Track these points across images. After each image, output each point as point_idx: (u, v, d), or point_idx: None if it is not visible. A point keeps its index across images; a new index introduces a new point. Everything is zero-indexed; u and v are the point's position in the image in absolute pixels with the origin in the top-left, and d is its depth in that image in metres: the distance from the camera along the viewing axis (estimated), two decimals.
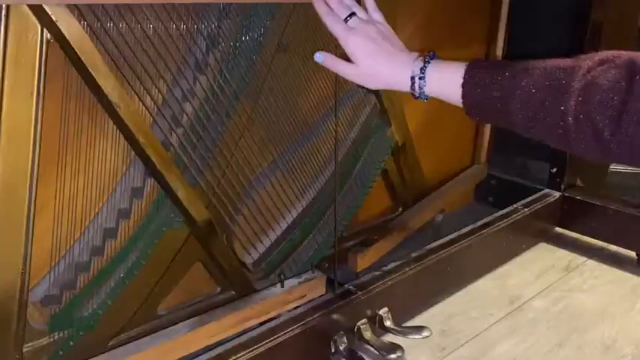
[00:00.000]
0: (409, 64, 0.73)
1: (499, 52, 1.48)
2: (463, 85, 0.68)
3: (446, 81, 0.70)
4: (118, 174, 0.84)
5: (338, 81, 1.03)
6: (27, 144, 0.72)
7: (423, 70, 0.71)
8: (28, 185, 0.73)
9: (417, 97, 0.73)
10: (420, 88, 0.72)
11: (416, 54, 0.76)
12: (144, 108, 0.82)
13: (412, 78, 0.72)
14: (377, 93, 1.15)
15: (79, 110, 0.77)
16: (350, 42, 0.76)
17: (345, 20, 0.78)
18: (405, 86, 0.74)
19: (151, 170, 0.84)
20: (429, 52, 0.73)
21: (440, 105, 1.37)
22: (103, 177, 0.83)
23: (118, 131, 0.80)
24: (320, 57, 0.80)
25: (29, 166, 0.72)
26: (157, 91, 0.83)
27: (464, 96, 0.69)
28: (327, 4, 0.80)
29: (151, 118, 0.83)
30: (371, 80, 0.77)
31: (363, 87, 0.82)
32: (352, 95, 1.12)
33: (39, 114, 0.72)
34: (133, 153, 0.83)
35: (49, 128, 0.74)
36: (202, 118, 0.88)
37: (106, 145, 0.81)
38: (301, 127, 1.04)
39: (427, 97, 0.74)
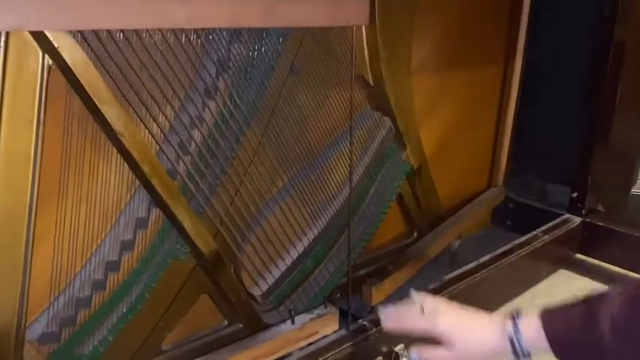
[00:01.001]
0: (501, 326, 0.73)
1: (517, 69, 1.43)
2: (545, 328, 0.68)
3: (535, 334, 0.70)
4: (121, 204, 0.80)
5: (352, 103, 0.99)
6: (26, 173, 0.68)
7: (516, 328, 0.71)
8: (26, 217, 0.69)
9: (519, 358, 0.72)
10: (521, 345, 0.71)
11: (502, 316, 0.74)
12: (150, 136, 0.78)
13: (509, 338, 0.71)
14: (392, 115, 1.10)
15: (81, 138, 0.74)
16: (440, 324, 0.76)
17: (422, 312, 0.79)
18: (506, 348, 0.72)
19: (157, 200, 0.80)
20: (513, 314, 0.73)
21: (456, 127, 1.36)
22: (105, 207, 0.79)
23: (121, 160, 0.77)
24: (415, 356, 0.79)
25: (28, 197, 0.69)
26: (163, 117, 0.79)
27: (554, 346, 0.68)
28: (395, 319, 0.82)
29: (157, 146, 0.80)
30: (472, 356, 0.76)
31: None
32: (366, 118, 1.07)
33: (39, 142, 0.68)
34: (137, 182, 0.79)
35: (50, 157, 0.71)
36: (211, 145, 0.84)
37: (109, 174, 0.77)
38: (313, 151, 1.00)
39: (530, 354, 0.71)
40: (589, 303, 0.67)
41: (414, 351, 0.79)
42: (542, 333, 0.68)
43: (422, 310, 0.79)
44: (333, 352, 0.91)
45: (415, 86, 1.16)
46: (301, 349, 0.92)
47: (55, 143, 0.71)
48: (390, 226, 1.24)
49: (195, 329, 0.94)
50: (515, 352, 0.72)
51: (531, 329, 0.70)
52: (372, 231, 1.15)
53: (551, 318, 0.69)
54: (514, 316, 0.73)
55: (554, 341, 0.68)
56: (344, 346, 0.92)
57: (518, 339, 0.71)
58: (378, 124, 1.10)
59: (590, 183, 1.43)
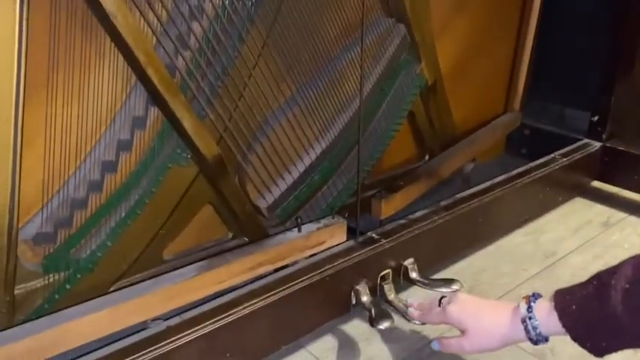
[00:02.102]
0: (514, 310, 0.73)
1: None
2: (557, 307, 0.67)
3: (547, 314, 0.68)
4: (117, 100, 0.75)
5: (366, 5, 0.92)
6: (10, 61, 0.63)
7: (530, 309, 0.70)
8: (13, 109, 0.64)
9: (536, 342, 0.71)
10: (534, 328, 0.69)
11: (517, 302, 0.74)
12: (146, 25, 0.72)
13: (523, 321, 0.70)
14: (407, 22, 1.03)
15: (70, 23, 0.68)
16: (450, 312, 0.78)
17: (439, 304, 0.82)
18: (520, 333, 0.71)
19: (154, 96, 0.75)
20: (529, 296, 0.72)
21: (473, 46, 1.28)
22: (100, 102, 0.74)
23: (115, 49, 0.71)
24: (437, 346, 0.81)
25: (14, 87, 0.64)
26: (160, 5, 0.73)
27: (564, 321, 0.66)
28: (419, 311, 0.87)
29: (154, 38, 0.74)
30: (485, 341, 0.75)
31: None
32: (380, 24, 1.00)
33: (23, 26, 0.62)
34: (133, 77, 0.74)
35: (36, 45, 0.65)
36: (211, 40, 0.78)
37: (103, 65, 0.72)
38: (322, 57, 0.93)
39: (546, 339, 0.70)
40: (600, 279, 0.64)
41: (435, 341, 0.82)
42: (555, 314, 0.66)
43: (440, 302, 0.82)
44: (340, 261, 0.88)
45: None
46: (307, 258, 0.89)
47: (40, 30, 0.66)
48: (401, 147, 1.19)
49: (199, 241, 0.91)
50: (529, 334, 0.70)
51: (544, 311, 0.68)
52: (382, 149, 1.10)
53: (562, 298, 0.67)
54: (529, 299, 0.71)
55: (568, 321, 0.65)
56: (351, 256, 0.89)
57: (531, 322, 0.69)
58: (391, 31, 1.03)
59: (612, 107, 1.36)
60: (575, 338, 0.65)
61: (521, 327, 0.70)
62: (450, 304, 0.79)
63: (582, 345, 0.65)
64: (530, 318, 0.69)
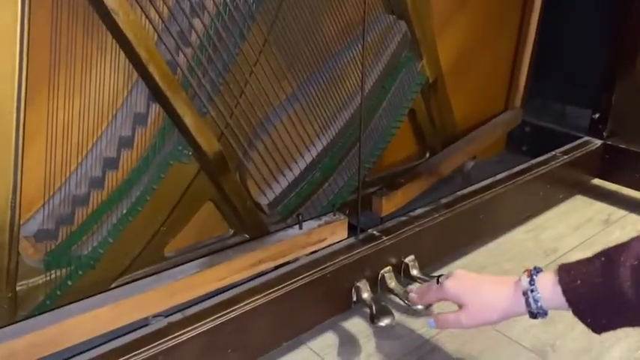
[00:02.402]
0: (515, 283, 0.72)
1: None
2: (561, 282, 0.66)
3: (550, 288, 0.67)
4: (118, 97, 0.75)
5: (367, 2, 0.91)
6: (12, 57, 0.63)
7: (532, 282, 0.69)
8: (15, 106, 0.64)
9: (535, 316, 0.70)
10: (536, 301, 0.68)
11: (517, 277, 0.73)
12: (147, 21, 0.72)
13: (524, 293, 0.69)
14: (408, 19, 1.03)
15: (71, 20, 0.68)
16: (448, 287, 0.77)
17: (438, 283, 0.80)
18: (520, 306, 0.70)
19: (155, 93, 0.75)
20: (531, 270, 0.71)
21: (474, 43, 1.28)
22: (101, 99, 0.74)
23: (117, 46, 0.71)
24: (433, 323, 0.80)
25: (15, 83, 0.64)
26: (162, 2, 0.73)
27: (567, 295, 0.65)
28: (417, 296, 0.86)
29: (156, 34, 0.74)
30: (484, 315, 0.74)
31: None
32: (381, 21, 1.00)
33: (25, 22, 0.62)
34: (135, 74, 0.74)
35: (38, 40, 0.65)
36: (213, 37, 0.78)
37: (105, 62, 0.72)
38: (324, 54, 0.93)
39: (546, 312, 0.69)
40: (607, 255, 0.64)
41: (431, 320, 0.80)
42: (559, 288, 0.65)
43: (437, 280, 0.81)
44: (341, 258, 0.88)
45: None
46: (308, 255, 0.89)
47: (42, 27, 0.66)
48: (402, 144, 1.19)
49: (200, 238, 0.91)
50: (529, 308, 0.69)
51: (547, 285, 0.67)
52: (383, 146, 1.10)
53: (567, 273, 0.66)
54: (531, 272, 0.70)
55: (571, 296, 0.65)
56: (352, 253, 0.89)
57: (533, 295, 0.68)
58: (392, 28, 1.03)
59: (612, 105, 1.36)
60: (576, 313, 0.65)
61: (522, 300, 0.69)
62: (448, 280, 0.77)
63: (582, 320, 0.65)
64: (532, 291, 0.68)
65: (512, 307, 0.71)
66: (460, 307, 0.76)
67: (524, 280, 0.70)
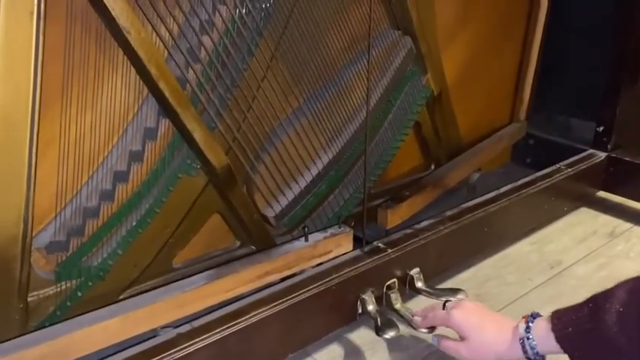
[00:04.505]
0: (513, 328, 0.74)
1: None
2: (554, 329, 0.68)
3: (545, 335, 0.70)
4: (129, 112, 0.77)
5: (372, 18, 0.93)
6: (27, 72, 0.64)
7: (528, 330, 0.72)
8: (29, 119, 0.66)
9: None
10: (532, 348, 0.71)
11: (518, 320, 0.75)
12: (157, 39, 0.74)
13: (521, 340, 0.72)
14: (413, 35, 1.05)
15: (85, 37, 0.70)
16: (454, 317, 0.79)
17: (443, 307, 0.83)
18: (518, 351, 0.73)
19: (165, 108, 0.76)
20: (527, 317, 0.74)
21: (478, 56, 1.29)
22: (112, 114, 0.76)
23: (128, 62, 0.73)
24: (436, 341, 0.84)
25: (30, 98, 0.65)
26: (172, 20, 0.75)
27: (561, 343, 0.68)
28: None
29: (166, 51, 0.76)
30: (482, 353, 0.77)
31: None
32: (386, 36, 1.02)
33: (40, 38, 0.64)
34: (145, 90, 0.76)
35: (52, 56, 0.67)
36: (222, 54, 0.80)
37: (116, 78, 0.74)
38: (329, 69, 0.95)
39: (543, 357, 0.72)
40: (595, 301, 0.66)
41: (435, 338, 0.84)
42: (552, 335, 0.68)
43: (444, 305, 0.83)
44: (347, 270, 0.89)
45: (437, 9, 1.10)
46: (314, 267, 0.90)
47: (57, 41, 0.68)
48: (407, 157, 1.21)
49: (207, 250, 0.93)
50: (526, 354, 0.72)
51: (542, 331, 0.70)
52: (388, 159, 1.11)
53: (559, 320, 0.69)
54: (527, 319, 0.73)
55: (564, 343, 0.67)
56: (357, 266, 0.90)
57: (529, 342, 0.71)
58: (398, 43, 1.05)
59: (617, 117, 1.36)
60: (574, 359, 0.67)
61: (519, 346, 0.72)
62: (455, 309, 0.80)
63: None
64: (528, 338, 0.71)
65: (509, 352, 0.74)
66: (461, 337, 0.79)
67: (521, 327, 0.73)
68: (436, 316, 0.84)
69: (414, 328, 0.89)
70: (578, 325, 0.66)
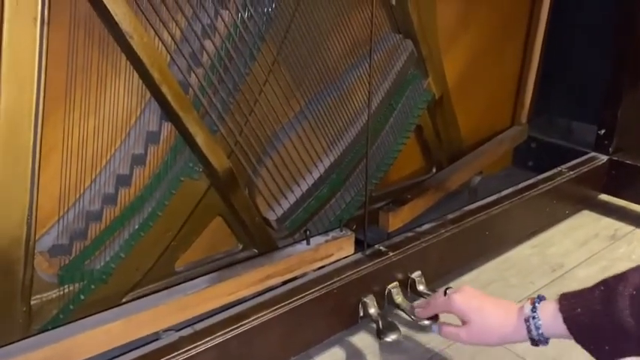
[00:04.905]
0: (518, 309, 0.73)
1: (546, 2, 1.36)
2: (562, 310, 0.67)
3: (552, 316, 0.69)
4: (132, 116, 0.78)
5: (374, 22, 0.94)
6: (31, 77, 0.65)
7: (534, 309, 0.71)
8: (32, 123, 0.66)
9: (537, 343, 0.72)
10: (537, 328, 0.70)
11: (520, 304, 0.75)
12: (160, 43, 0.74)
13: (526, 320, 0.71)
14: (414, 38, 1.05)
15: (88, 42, 0.70)
16: (455, 301, 0.78)
17: (445, 295, 0.82)
18: (521, 333, 0.72)
19: (168, 112, 0.77)
20: (534, 298, 0.73)
21: (479, 60, 1.30)
22: (115, 118, 0.76)
23: (131, 67, 0.73)
24: (436, 329, 0.84)
25: (34, 103, 0.66)
26: (174, 24, 0.75)
27: (568, 323, 0.67)
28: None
29: (168, 56, 0.76)
30: (484, 336, 0.76)
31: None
32: (388, 40, 1.02)
33: (43, 43, 0.65)
34: (148, 94, 0.76)
35: (55, 62, 0.67)
36: (224, 58, 0.80)
37: (119, 82, 0.74)
38: (332, 73, 0.95)
39: (547, 340, 0.71)
40: (606, 284, 0.65)
41: (436, 326, 0.84)
42: (560, 316, 0.67)
43: (445, 292, 0.82)
44: (348, 274, 0.89)
45: (439, 12, 1.10)
46: (315, 270, 0.90)
47: (60, 47, 0.68)
48: (409, 160, 1.21)
49: (209, 252, 0.93)
50: (530, 334, 0.71)
51: (548, 313, 0.69)
52: (390, 162, 1.11)
53: (567, 301, 0.68)
54: (534, 300, 0.72)
55: (572, 324, 0.66)
56: (359, 269, 0.90)
57: (534, 322, 0.70)
58: (399, 47, 1.05)
59: (618, 120, 1.37)
60: (578, 340, 0.66)
61: (524, 327, 0.71)
62: (456, 294, 0.79)
63: (585, 348, 0.66)
64: (533, 318, 0.70)
65: (513, 334, 0.73)
66: (463, 322, 0.78)
67: (527, 307, 0.72)
68: (437, 303, 0.83)
69: (416, 321, 0.88)
70: (588, 306, 0.65)
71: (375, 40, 0.99)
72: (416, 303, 0.91)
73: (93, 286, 0.78)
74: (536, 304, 0.71)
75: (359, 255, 0.95)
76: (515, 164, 1.56)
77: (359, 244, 0.97)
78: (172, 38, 0.75)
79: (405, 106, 1.09)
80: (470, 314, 0.77)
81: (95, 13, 0.68)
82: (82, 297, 0.78)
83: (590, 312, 0.65)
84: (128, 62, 0.73)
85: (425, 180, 1.22)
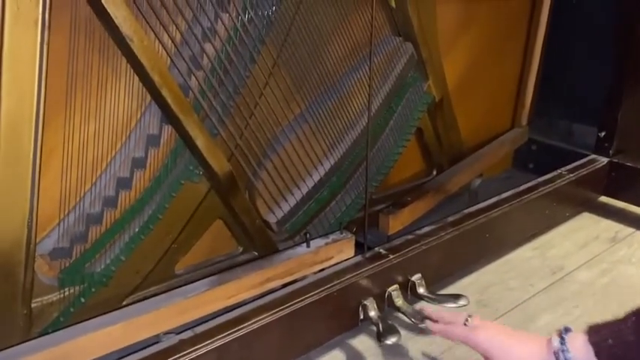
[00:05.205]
0: (546, 342, 0.71)
1: (546, 4, 1.36)
2: (592, 342, 0.66)
3: (583, 348, 0.67)
4: (132, 119, 0.78)
5: (374, 25, 0.94)
6: (31, 80, 0.65)
7: (563, 342, 0.69)
8: (33, 127, 0.66)
9: None
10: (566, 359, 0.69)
11: (547, 337, 0.72)
12: (160, 46, 0.75)
13: (555, 353, 0.69)
14: (414, 41, 1.05)
15: (88, 45, 0.70)
16: (477, 339, 0.76)
17: (465, 324, 0.80)
18: None
19: (168, 115, 0.77)
20: (560, 330, 0.71)
21: (480, 62, 1.30)
22: (115, 121, 0.76)
23: (131, 70, 0.73)
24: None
25: (34, 106, 0.66)
26: (174, 28, 0.75)
27: (599, 356, 0.65)
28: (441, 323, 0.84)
29: (169, 59, 0.76)
30: None
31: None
32: (388, 43, 1.02)
33: (44, 47, 0.65)
34: (148, 97, 0.77)
35: (56, 65, 0.68)
36: (224, 61, 0.81)
37: (119, 86, 0.74)
38: (331, 76, 0.96)
39: None
40: (638, 314, 0.64)
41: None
42: (591, 349, 0.65)
43: (466, 320, 0.80)
44: (348, 276, 0.89)
45: (439, 14, 1.11)
46: (315, 273, 0.90)
47: (61, 50, 0.68)
48: (409, 162, 1.21)
49: (210, 255, 0.93)
50: None
51: (578, 345, 0.67)
52: (390, 165, 1.11)
53: (598, 332, 0.66)
54: (561, 332, 0.70)
55: (603, 355, 0.65)
56: (359, 271, 0.90)
57: (564, 354, 0.68)
58: (399, 50, 1.05)
59: (618, 123, 1.37)
60: None
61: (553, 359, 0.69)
62: (480, 330, 0.77)
63: None
64: (563, 351, 0.68)
65: None
66: (486, 358, 0.76)
67: (555, 340, 0.69)
68: (455, 331, 0.80)
69: (416, 323, 0.87)
70: (620, 337, 0.64)
71: (375, 42, 0.99)
72: (427, 312, 0.88)
73: (93, 289, 0.79)
74: (564, 336, 0.69)
75: (359, 258, 0.95)
76: (515, 166, 1.56)
77: (359, 247, 0.97)
78: (172, 41, 0.75)
79: (405, 108, 1.10)
80: (495, 352, 0.74)
81: (95, 16, 0.69)
82: (83, 300, 0.78)
83: (623, 344, 0.64)
84: (128, 65, 0.73)
85: (425, 182, 1.22)
